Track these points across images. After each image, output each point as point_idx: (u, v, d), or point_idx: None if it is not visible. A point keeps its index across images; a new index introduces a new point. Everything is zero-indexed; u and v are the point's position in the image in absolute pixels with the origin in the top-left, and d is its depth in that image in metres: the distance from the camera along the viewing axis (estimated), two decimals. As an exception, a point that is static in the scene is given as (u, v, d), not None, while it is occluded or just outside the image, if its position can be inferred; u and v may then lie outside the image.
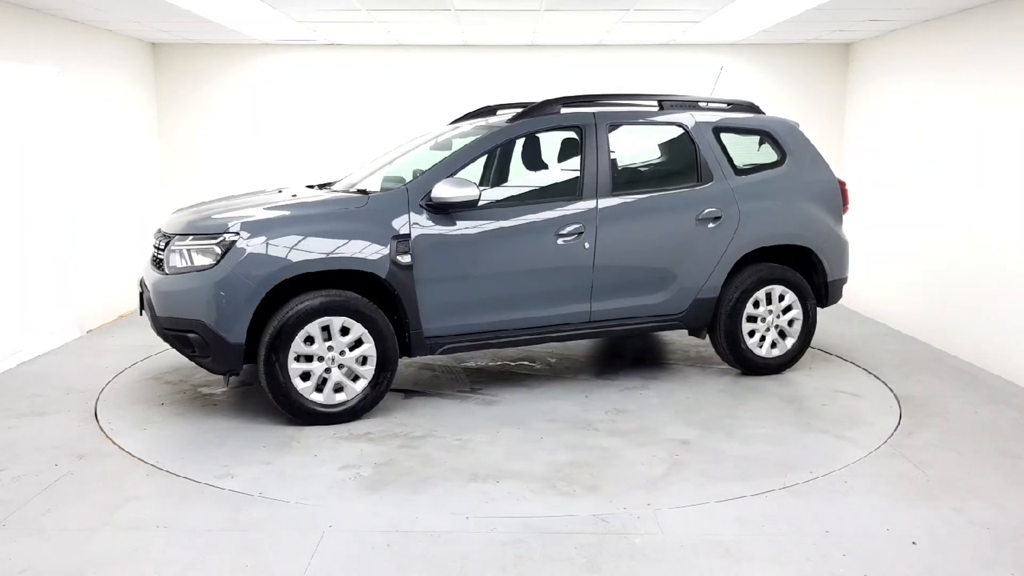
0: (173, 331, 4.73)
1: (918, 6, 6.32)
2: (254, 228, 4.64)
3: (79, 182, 7.13)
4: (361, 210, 4.85)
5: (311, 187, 5.77)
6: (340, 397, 4.78)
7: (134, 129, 8.20)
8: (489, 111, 6.18)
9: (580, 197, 5.23)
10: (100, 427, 4.76)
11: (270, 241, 4.61)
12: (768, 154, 5.80)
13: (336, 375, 4.75)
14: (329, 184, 5.88)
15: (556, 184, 5.58)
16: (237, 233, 4.61)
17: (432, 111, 8.44)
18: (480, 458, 4.33)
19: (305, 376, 4.71)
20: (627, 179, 5.56)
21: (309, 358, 4.70)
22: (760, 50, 8.57)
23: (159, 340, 6.49)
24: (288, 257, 4.60)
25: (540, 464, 4.25)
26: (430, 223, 4.88)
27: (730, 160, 5.61)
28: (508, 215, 5.10)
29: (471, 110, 6.45)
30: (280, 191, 5.66)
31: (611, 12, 6.67)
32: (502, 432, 4.70)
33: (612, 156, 5.36)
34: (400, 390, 5.51)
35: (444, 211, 4.90)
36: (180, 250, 4.73)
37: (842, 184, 5.93)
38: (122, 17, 6.93)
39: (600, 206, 5.24)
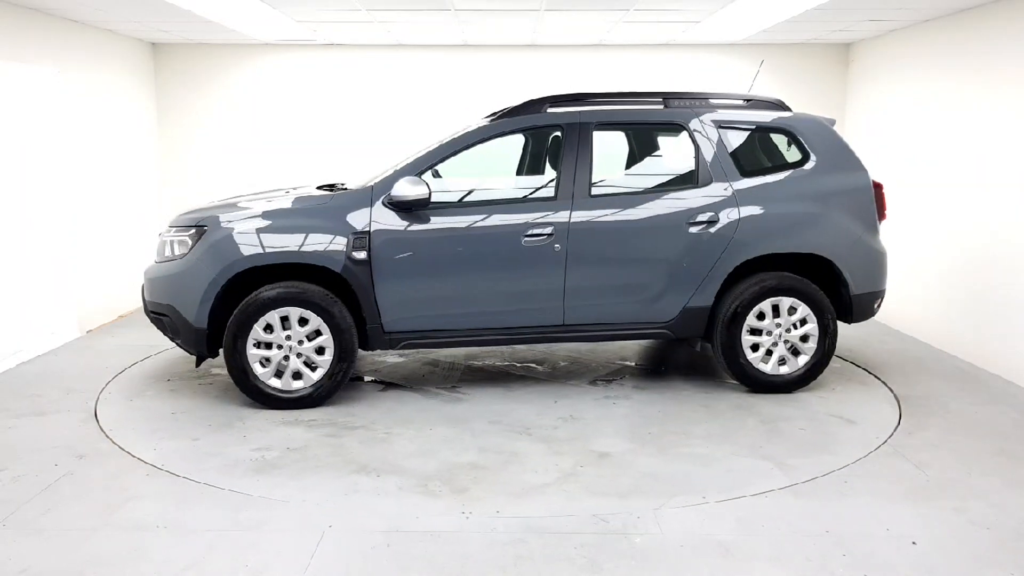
0: (154, 313, 5.19)
1: (918, 6, 6.32)
2: (218, 222, 5.00)
3: (79, 182, 7.13)
4: (322, 207, 5.06)
5: (323, 187, 5.78)
6: (297, 384, 5.02)
7: (134, 129, 8.19)
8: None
9: (555, 199, 5.12)
10: (100, 427, 4.76)
11: (229, 235, 4.94)
12: (790, 154, 5.42)
13: (294, 363, 4.99)
14: (342, 184, 5.86)
15: (534, 184, 5.50)
16: (205, 227, 5.00)
17: (432, 111, 8.46)
18: (387, 453, 4.40)
19: (265, 362, 4.97)
20: (611, 180, 5.42)
21: (269, 345, 4.97)
22: (760, 50, 8.56)
23: (160, 340, 6.62)
24: (242, 250, 4.90)
25: (436, 463, 4.26)
26: (391, 221, 4.97)
27: (737, 161, 5.27)
28: (477, 214, 5.10)
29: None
30: (289, 191, 5.72)
31: (611, 12, 6.67)
32: (435, 430, 4.73)
33: (594, 157, 5.19)
34: (381, 382, 5.68)
35: (407, 209, 4.97)
36: (167, 241, 5.17)
37: (878, 187, 5.39)
38: (122, 17, 6.93)
39: (575, 208, 5.08)
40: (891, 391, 5.44)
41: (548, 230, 5.05)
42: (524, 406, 5.15)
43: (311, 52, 8.63)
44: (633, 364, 6.14)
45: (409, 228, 4.99)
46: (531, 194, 5.46)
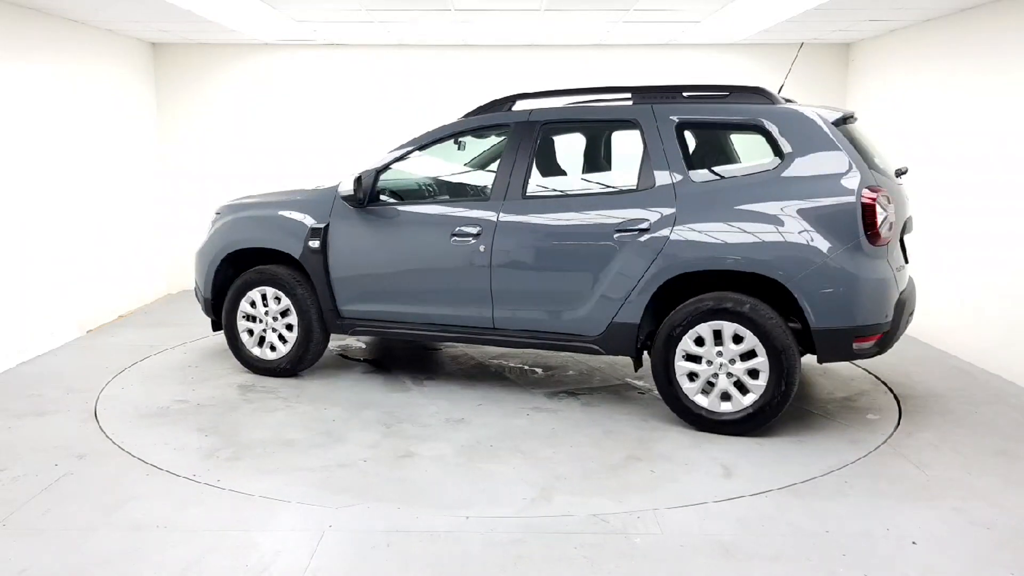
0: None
1: (918, 6, 6.32)
2: (224, 211, 5.91)
3: (79, 182, 7.13)
4: (299, 202, 5.59)
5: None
6: (271, 355, 5.68)
7: (134, 129, 8.19)
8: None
9: (487, 198, 5.06)
10: (100, 427, 4.76)
11: (226, 223, 5.79)
12: (763, 153, 4.69)
13: (270, 336, 5.67)
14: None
15: (473, 184, 5.57)
16: (219, 214, 5.92)
17: (433, 111, 8.44)
18: (254, 422, 4.83)
19: (250, 333, 5.72)
20: (555, 181, 5.28)
21: (254, 319, 5.70)
22: (760, 50, 8.56)
23: (159, 340, 6.63)
24: (231, 236, 5.72)
25: (268, 436, 4.60)
26: (345, 214, 5.37)
27: (691, 161, 4.68)
28: (414, 211, 5.27)
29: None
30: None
31: (611, 12, 6.67)
32: (329, 411, 5.03)
33: (534, 157, 5.00)
34: (372, 363, 6.14)
35: (358, 204, 5.28)
36: (211, 224, 6.00)
37: (869, 199, 4.27)
38: (122, 17, 6.93)
39: (504, 209, 4.96)
40: (891, 391, 5.44)
41: (475, 230, 5.00)
42: (441, 403, 5.18)
43: (311, 52, 8.63)
44: (638, 383, 5.57)
45: (357, 222, 5.34)
46: (471, 193, 5.53)
